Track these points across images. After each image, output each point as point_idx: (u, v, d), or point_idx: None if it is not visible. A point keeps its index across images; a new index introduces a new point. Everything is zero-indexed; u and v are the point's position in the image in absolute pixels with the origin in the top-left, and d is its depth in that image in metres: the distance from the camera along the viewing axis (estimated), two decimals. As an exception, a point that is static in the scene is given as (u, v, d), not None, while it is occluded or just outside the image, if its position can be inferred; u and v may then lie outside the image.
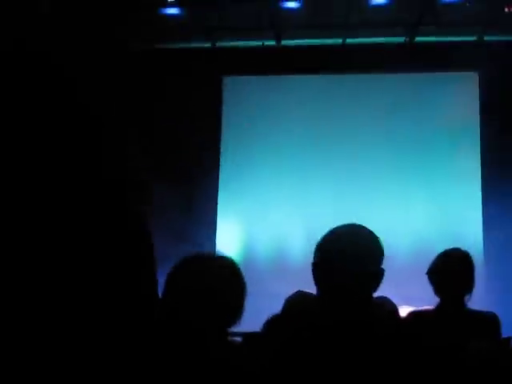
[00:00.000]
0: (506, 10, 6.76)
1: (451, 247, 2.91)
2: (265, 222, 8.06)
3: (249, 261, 7.97)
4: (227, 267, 1.33)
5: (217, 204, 8.19)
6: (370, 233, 1.58)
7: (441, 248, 7.56)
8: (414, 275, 7.05)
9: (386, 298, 2.45)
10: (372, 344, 1.49)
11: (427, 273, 2.81)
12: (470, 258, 2.79)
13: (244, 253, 8.06)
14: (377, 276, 1.53)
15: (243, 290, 1.34)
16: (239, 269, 1.37)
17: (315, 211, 7.89)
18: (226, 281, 1.29)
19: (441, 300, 2.72)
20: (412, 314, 2.72)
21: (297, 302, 1.90)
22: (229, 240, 8.13)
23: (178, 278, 1.28)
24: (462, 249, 2.85)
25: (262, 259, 8.00)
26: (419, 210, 7.78)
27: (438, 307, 2.70)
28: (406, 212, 7.77)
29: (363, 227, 1.59)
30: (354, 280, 1.49)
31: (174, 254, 6.80)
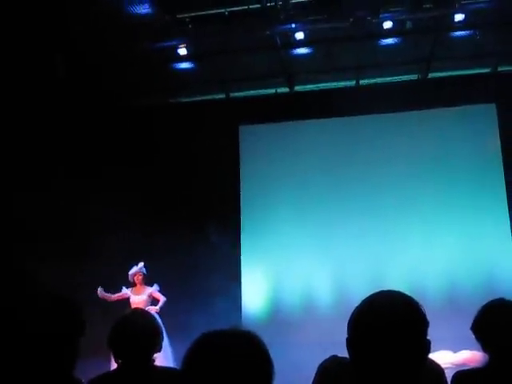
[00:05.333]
0: None
1: (495, 298, 2.34)
2: (289, 270, 7.89)
3: (276, 311, 7.83)
4: (251, 354, 1.19)
5: (240, 255, 8.09)
6: (410, 300, 1.38)
7: (472, 287, 7.21)
8: (446, 317, 6.79)
9: (431, 360, 2.14)
10: None
11: (471, 328, 2.38)
12: None
13: (271, 303, 7.91)
14: (422, 350, 1.33)
15: (269, 376, 1.20)
16: (267, 353, 1.22)
17: (340, 256, 7.74)
18: (249, 370, 1.17)
19: (491, 358, 2.26)
20: (461, 377, 2.29)
21: (331, 370, 1.75)
22: (255, 291, 8.02)
23: (194, 367, 1.16)
24: (506, 298, 2.40)
25: (289, 309, 7.81)
26: (446, 249, 7.56)
27: (490, 367, 2.26)
28: (432, 252, 7.54)
29: (401, 294, 1.39)
30: (396, 359, 1.29)
31: (202, 309, 6.60)
